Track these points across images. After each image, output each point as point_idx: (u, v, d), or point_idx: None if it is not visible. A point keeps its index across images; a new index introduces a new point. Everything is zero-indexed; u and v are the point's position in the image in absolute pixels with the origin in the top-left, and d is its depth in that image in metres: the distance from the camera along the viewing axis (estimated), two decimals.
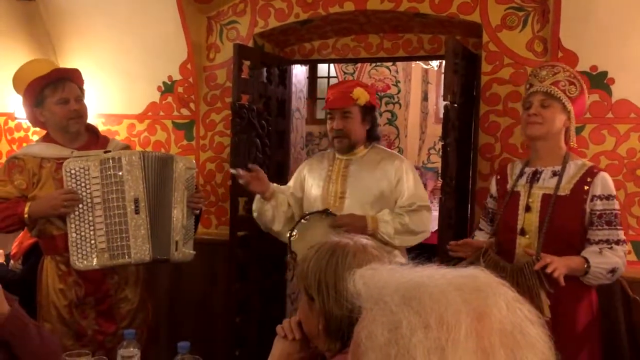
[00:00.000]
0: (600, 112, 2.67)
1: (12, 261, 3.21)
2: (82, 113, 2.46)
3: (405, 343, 0.66)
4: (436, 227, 2.70)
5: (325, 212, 2.47)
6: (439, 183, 6.22)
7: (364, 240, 1.33)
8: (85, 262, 2.30)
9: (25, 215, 2.29)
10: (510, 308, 0.69)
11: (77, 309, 2.41)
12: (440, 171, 4.79)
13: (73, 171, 2.31)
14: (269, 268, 3.12)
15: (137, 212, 2.32)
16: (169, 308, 2.93)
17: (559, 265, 1.93)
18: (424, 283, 0.70)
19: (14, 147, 3.90)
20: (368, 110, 2.57)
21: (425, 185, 6.85)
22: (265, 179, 2.58)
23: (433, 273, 0.72)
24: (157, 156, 2.44)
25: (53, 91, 2.39)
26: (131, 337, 1.81)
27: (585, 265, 2.01)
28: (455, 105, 2.66)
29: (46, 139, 2.50)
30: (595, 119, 2.68)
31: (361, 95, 2.51)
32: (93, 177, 2.32)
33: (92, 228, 2.31)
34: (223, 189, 3.39)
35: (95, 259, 2.31)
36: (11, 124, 3.90)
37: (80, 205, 2.31)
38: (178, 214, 2.43)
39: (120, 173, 2.32)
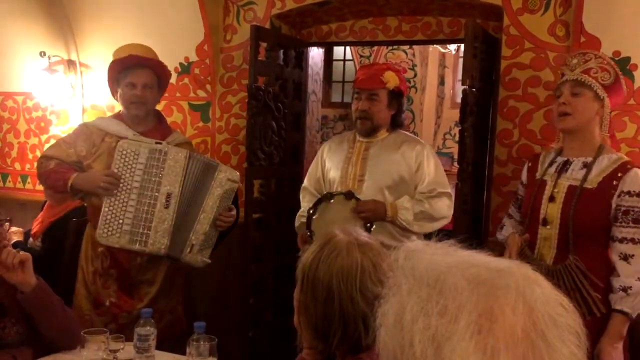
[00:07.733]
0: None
1: (31, 239, 3.25)
2: (145, 100, 2.56)
3: (408, 329, 0.66)
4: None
5: (349, 195, 2.44)
6: (454, 168, 6.18)
7: (362, 241, 1.22)
8: (108, 238, 2.43)
9: (69, 184, 2.44)
10: (534, 311, 0.65)
11: (101, 278, 2.53)
12: (455, 156, 4.77)
13: (124, 152, 2.43)
14: (284, 250, 3.13)
15: (166, 206, 2.43)
16: (185, 289, 2.97)
17: (610, 350, 1.94)
18: (442, 272, 0.68)
19: (32, 126, 3.93)
20: (396, 96, 2.55)
21: None
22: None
23: (462, 262, 0.70)
24: (203, 160, 2.53)
25: (126, 74, 2.56)
26: (148, 316, 1.84)
27: (628, 318, 1.95)
28: (474, 90, 2.62)
29: (117, 116, 2.66)
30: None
31: (391, 79, 2.50)
32: (139, 163, 2.43)
33: (123, 209, 2.42)
34: (238, 171, 3.39)
35: (117, 238, 2.42)
36: (29, 103, 3.93)
37: (120, 185, 2.41)
38: (203, 220, 2.49)
39: (163, 166, 2.42)
